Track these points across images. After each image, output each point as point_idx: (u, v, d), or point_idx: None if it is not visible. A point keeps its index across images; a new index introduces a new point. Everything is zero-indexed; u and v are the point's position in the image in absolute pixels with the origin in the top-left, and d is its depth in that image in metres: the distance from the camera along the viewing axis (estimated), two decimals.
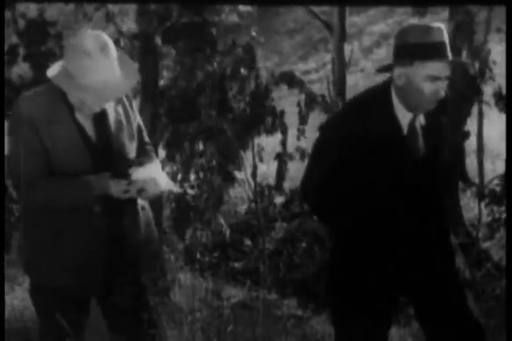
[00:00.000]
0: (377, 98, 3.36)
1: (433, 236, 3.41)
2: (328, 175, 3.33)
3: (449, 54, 3.27)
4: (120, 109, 3.51)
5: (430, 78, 3.24)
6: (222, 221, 7.95)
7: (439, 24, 3.28)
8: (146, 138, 3.69)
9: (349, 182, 3.32)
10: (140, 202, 3.59)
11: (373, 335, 3.42)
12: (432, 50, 3.23)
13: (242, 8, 8.02)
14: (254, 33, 7.99)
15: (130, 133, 3.53)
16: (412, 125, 3.35)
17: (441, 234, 3.45)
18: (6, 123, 3.45)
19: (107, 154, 3.42)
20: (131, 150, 3.53)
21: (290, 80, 7.96)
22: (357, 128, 3.27)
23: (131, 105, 3.57)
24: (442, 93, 3.28)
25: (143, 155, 3.61)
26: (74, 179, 3.35)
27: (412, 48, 3.24)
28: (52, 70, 3.37)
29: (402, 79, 3.28)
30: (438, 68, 3.24)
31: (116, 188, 3.36)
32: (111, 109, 3.47)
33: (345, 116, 3.41)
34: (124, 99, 3.55)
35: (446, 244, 3.46)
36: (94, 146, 3.41)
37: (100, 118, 3.43)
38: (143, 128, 3.66)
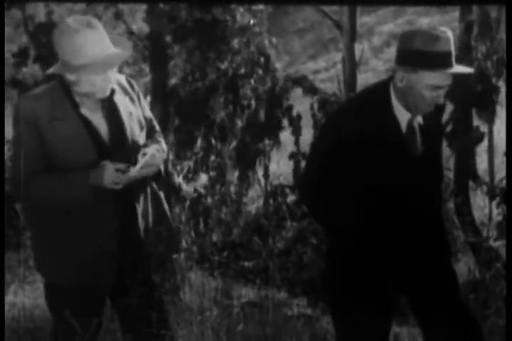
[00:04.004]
0: (376, 97, 3.36)
1: (429, 233, 3.42)
2: (325, 174, 3.33)
3: (454, 63, 3.27)
4: (127, 100, 3.53)
5: (432, 87, 3.24)
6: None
7: (447, 31, 3.26)
8: (156, 126, 3.71)
9: (346, 181, 3.32)
10: (152, 190, 3.59)
11: (372, 332, 3.42)
12: (438, 61, 3.22)
13: (255, 7, 8.02)
14: (266, 34, 8.00)
15: (140, 123, 3.55)
16: (410, 124, 3.35)
17: (438, 232, 3.46)
18: (7, 123, 3.48)
19: (118, 146, 3.43)
20: (142, 138, 3.55)
21: (304, 86, 7.97)
22: (355, 127, 3.27)
23: (138, 96, 3.58)
24: (441, 100, 3.30)
25: (150, 139, 3.62)
26: (71, 172, 3.35)
27: (417, 55, 3.23)
28: (51, 68, 3.42)
29: (404, 82, 3.28)
30: (441, 78, 3.25)
31: (108, 178, 3.33)
32: (120, 101, 3.48)
33: (343, 114, 3.41)
34: (130, 90, 3.56)
35: (443, 241, 3.47)
36: (102, 140, 3.42)
37: (111, 111, 3.44)
38: (152, 117, 3.69)
